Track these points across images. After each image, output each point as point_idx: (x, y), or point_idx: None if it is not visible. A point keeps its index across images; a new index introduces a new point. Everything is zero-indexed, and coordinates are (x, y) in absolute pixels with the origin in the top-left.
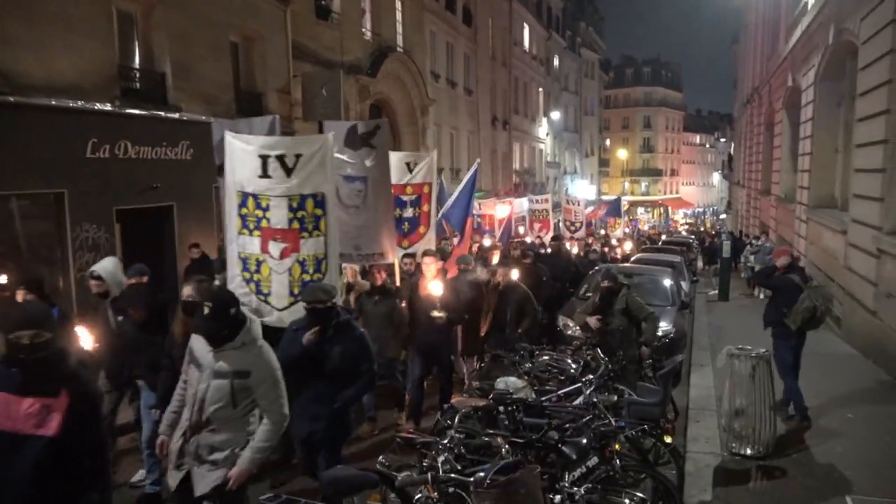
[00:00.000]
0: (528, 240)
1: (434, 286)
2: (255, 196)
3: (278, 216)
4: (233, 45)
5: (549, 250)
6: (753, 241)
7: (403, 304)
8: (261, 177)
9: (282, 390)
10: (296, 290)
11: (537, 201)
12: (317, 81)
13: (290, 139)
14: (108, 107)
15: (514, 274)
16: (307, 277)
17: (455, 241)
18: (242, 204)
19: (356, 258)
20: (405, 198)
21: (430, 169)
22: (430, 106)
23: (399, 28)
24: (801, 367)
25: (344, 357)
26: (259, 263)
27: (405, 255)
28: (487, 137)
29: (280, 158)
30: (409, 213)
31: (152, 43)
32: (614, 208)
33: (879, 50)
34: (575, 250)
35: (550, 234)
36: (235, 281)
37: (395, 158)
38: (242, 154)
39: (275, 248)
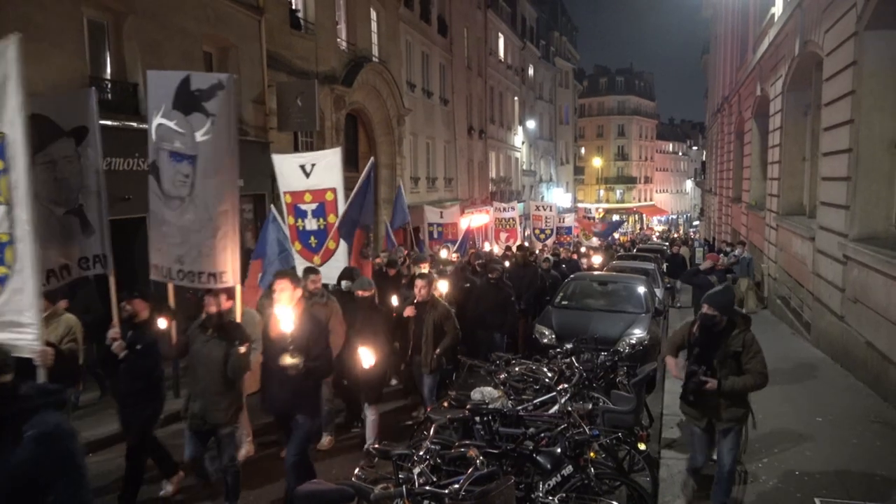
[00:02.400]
0: (488, 248)
1: (283, 320)
2: None
3: None
4: (206, 55)
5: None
6: (728, 251)
7: (243, 349)
8: None
9: None
10: None
11: (504, 209)
12: (292, 91)
13: None
14: None
15: (444, 287)
16: None
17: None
18: None
19: (176, 276)
20: (304, 207)
21: (333, 171)
22: (406, 115)
23: (374, 38)
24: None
25: (10, 477)
26: None
27: (308, 270)
28: (463, 146)
29: None
30: (312, 224)
31: (124, 53)
32: (611, 230)
33: (843, 62)
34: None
35: (517, 243)
36: None
37: (289, 162)
38: None
39: None
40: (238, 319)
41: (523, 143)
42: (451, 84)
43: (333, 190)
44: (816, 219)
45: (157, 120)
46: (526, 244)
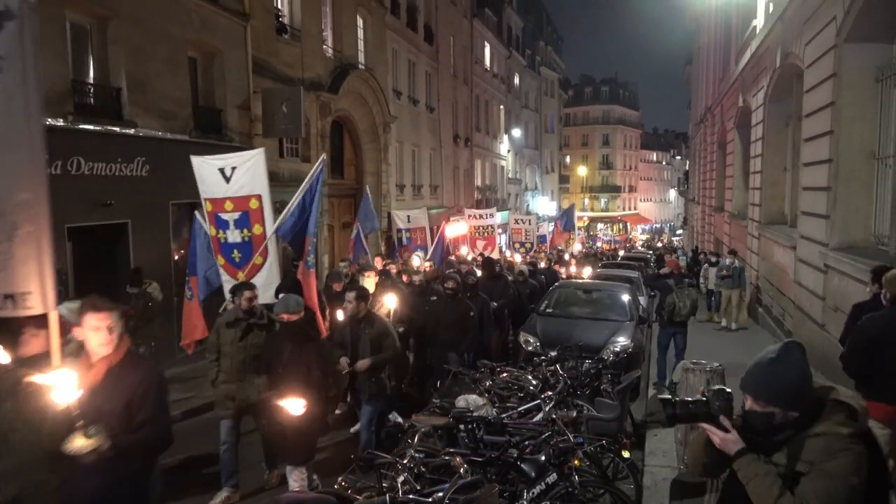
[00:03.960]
0: (465, 252)
1: (63, 384)
2: None
3: None
4: (191, 61)
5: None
6: (714, 260)
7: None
8: None
9: None
10: None
11: (481, 216)
12: (277, 98)
13: None
14: (60, 122)
15: (392, 301)
16: None
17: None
18: None
19: None
20: (226, 216)
21: (257, 175)
22: (392, 123)
23: (361, 45)
24: None
25: None
26: None
27: (242, 286)
28: (449, 154)
29: None
30: (235, 236)
31: (107, 57)
32: (567, 221)
33: (823, 74)
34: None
35: (495, 252)
36: None
37: (208, 165)
38: None
39: None
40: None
41: (509, 151)
42: (437, 92)
43: (259, 197)
44: (797, 228)
45: None
46: (502, 255)
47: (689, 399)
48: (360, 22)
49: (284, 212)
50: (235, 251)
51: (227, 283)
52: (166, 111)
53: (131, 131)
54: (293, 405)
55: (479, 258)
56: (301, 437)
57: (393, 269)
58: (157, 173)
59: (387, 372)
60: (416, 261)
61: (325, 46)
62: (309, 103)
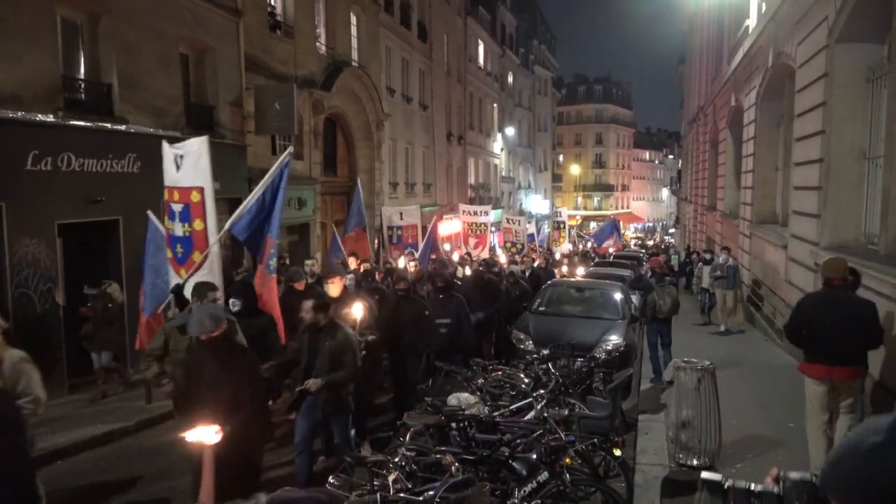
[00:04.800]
0: (455, 255)
1: None
2: None
3: None
4: (183, 57)
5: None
6: (708, 258)
7: None
8: None
9: None
10: None
11: (476, 213)
12: (270, 95)
13: None
14: (50, 118)
15: (359, 310)
16: None
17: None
18: None
19: None
20: (174, 207)
21: (199, 166)
22: (386, 121)
23: (354, 43)
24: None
25: None
26: None
27: (204, 286)
28: (443, 152)
29: None
30: (178, 229)
31: (98, 53)
32: (608, 231)
33: (814, 73)
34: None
35: (486, 251)
36: None
37: (167, 152)
38: None
39: None
40: None
41: (502, 149)
42: (430, 90)
43: (200, 190)
44: (789, 227)
45: None
46: (492, 254)
47: (753, 488)
48: (353, 19)
49: (241, 207)
50: (179, 246)
51: (174, 279)
52: (158, 107)
53: (122, 127)
54: (205, 434)
55: (467, 256)
56: (242, 470)
57: (361, 266)
58: (149, 169)
59: (349, 388)
60: (403, 261)
61: (318, 43)
62: (302, 100)
